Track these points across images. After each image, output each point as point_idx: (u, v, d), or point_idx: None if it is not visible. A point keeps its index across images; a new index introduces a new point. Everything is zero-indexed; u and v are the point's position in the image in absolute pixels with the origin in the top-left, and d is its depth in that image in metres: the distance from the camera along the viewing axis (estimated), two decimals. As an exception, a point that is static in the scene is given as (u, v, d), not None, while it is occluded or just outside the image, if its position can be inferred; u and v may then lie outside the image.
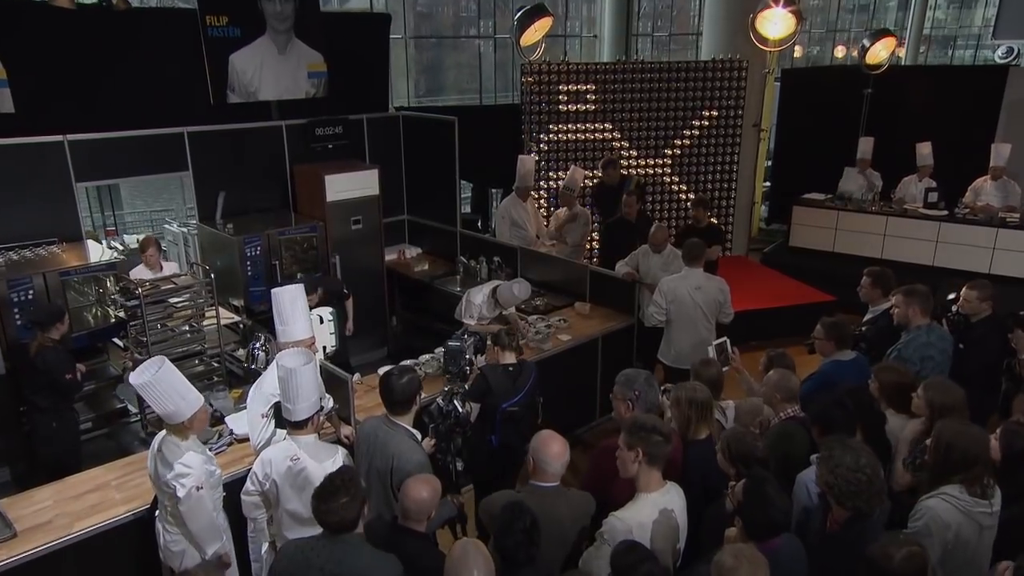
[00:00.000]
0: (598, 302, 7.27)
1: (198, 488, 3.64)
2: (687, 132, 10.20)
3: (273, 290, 4.35)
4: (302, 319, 4.33)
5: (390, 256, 8.46)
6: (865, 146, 10.27)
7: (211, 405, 5.35)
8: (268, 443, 4.19)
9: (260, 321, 7.06)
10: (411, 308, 8.75)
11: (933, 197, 9.72)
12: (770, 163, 12.33)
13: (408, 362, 5.92)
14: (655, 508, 3.35)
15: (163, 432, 3.82)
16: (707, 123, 10.20)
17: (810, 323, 9.07)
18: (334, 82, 8.13)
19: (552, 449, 3.47)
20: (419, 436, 3.85)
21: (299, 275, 6.97)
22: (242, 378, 6.04)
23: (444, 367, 4.83)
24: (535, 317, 6.93)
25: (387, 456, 3.72)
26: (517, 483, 4.73)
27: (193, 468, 3.65)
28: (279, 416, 4.21)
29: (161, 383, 3.59)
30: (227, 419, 5.08)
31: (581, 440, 6.81)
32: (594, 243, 10.21)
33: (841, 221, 10.22)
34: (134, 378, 3.59)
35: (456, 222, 8.65)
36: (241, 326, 7.09)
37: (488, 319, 6.49)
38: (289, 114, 7.96)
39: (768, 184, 12.53)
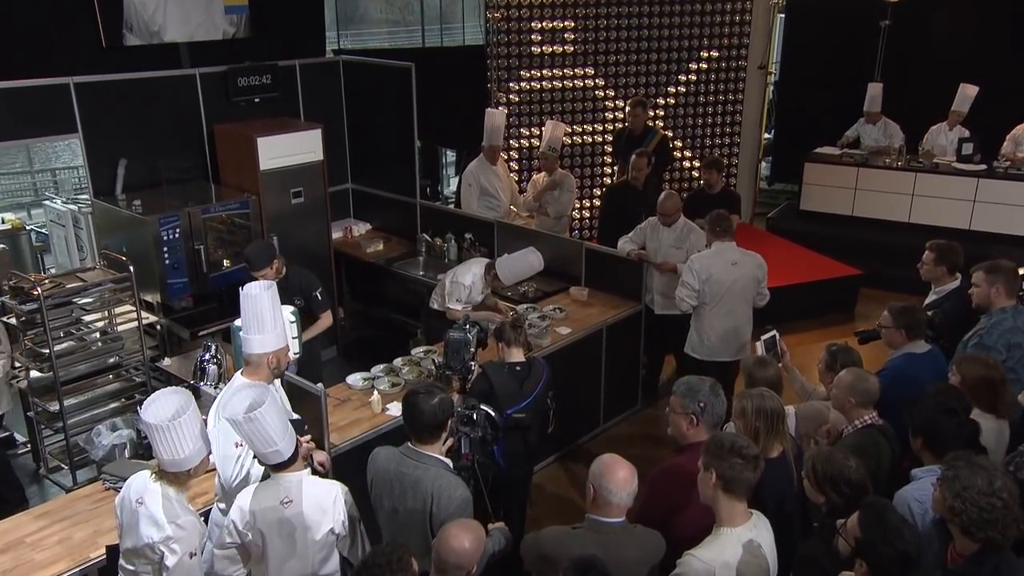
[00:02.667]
0: (597, 286, 7.20)
1: (191, 555, 3.50)
2: (683, 78, 10.17)
3: (244, 289, 4.18)
4: (278, 326, 4.17)
5: (335, 235, 8.29)
6: (874, 93, 10.38)
7: (141, 431, 5.13)
8: (246, 480, 4.04)
9: (179, 321, 6.94)
10: (363, 297, 8.59)
11: (968, 149, 9.90)
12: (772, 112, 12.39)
13: (379, 368, 5.76)
14: (740, 545, 3.28)
15: (143, 478, 3.65)
16: (706, 66, 10.17)
17: (833, 302, 9.49)
18: (258, 19, 7.87)
19: (618, 476, 3.39)
20: (450, 464, 3.74)
21: (246, 251, 6.61)
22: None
23: (445, 363, 4.78)
24: (525, 307, 6.82)
25: (422, 496, 3.59)
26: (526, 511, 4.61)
27: (188, 531, 3.50)
28: None
29: (184, 425, 3.46)
30: None
31: (587, 453, 6.76)
32: (584, 213, 10.14)
33: (862, 179, 10.34)
34: (150, 416, 3.45)
35: (415, 192, 8.52)
36: (158, 327, 6.82)
37: (472, 304, 6.44)
38: (204, 60, 7.73)
39: (769, 136, 12.60)
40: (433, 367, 5.57)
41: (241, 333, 4.27)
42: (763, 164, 12.64)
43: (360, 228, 8.85)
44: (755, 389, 4.02)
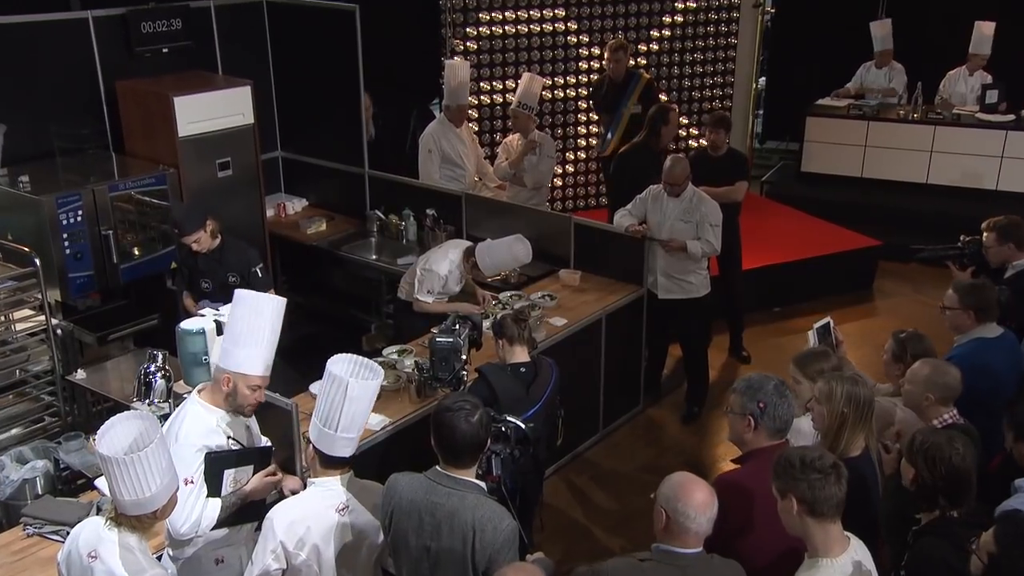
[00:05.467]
0: (590, 267, 7.18)
1: None
2: (668, 19, 10.14)
3: (241, 292, 4.11)
4: (272, 345, 4.11)
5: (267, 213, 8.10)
6: (882, 31, 10.49)
7: (60, 462, 5.02)
8: (196, 524, 3.96)
9: (83, 323, 6.73)
10: (303, 288, 8.48)
11: (992, 96, 10.09)
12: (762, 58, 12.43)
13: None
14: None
15: (94, 525, 3.50)
16: (694, 4, 10.15)
17: (849, 277, 9.59)
18: (164, -50, 7.69)
19: (695, 498, 3.32)
20: (485, 488, 3.70)
21: (173, 213, 6.42)
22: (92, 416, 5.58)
23: (432, 374, 4.77)
24: (509, 295, 6.75)
25: (460, 530, 3.51)
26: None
27: None
28: (212, 478, 3.99)
29: (150, 457, 3.31)
30: (98, 482, 4.68)
31: (588, 464, 6.74)
32: (558, 181, 10.02)
33: (872, 135, 10.46)
34: (106, 448, 3.29)
35: (363, 160, 8.41)
36: (58, 333, 6.55)
37: (448, 295, 6.43)
38: (97, 0, 7.54)
39: (757, 87, 12.64)
40: (415, 371, 5.43)
41: (224, 344, 4.12)
42: (753, 119, 12.71)
43: (296, 204, 8.72)
44: (848, 372, 4.04)
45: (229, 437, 4.05)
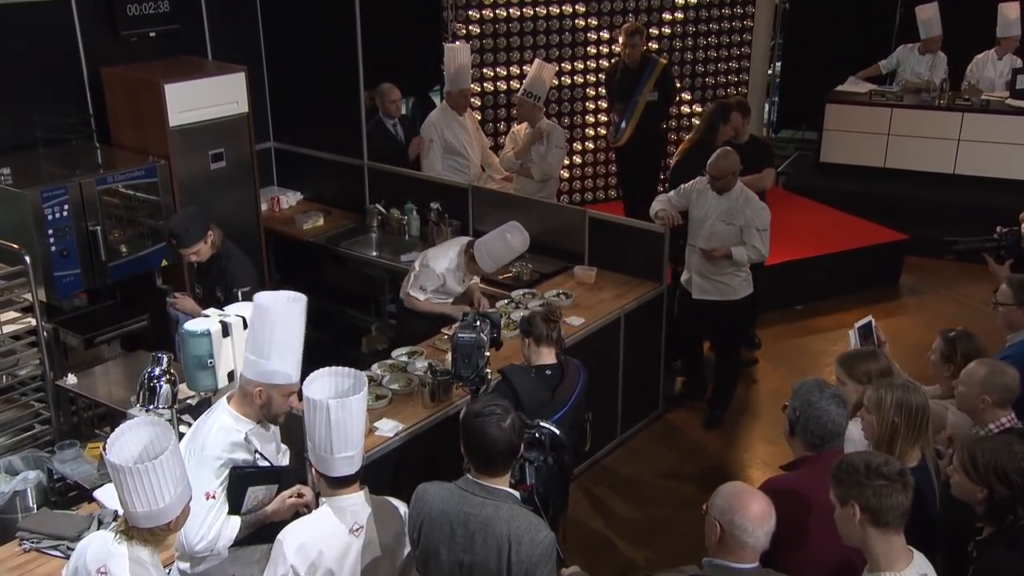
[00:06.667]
0: (605, 264, 7.17)
1: None
2: (680, 2, 10.14)
3: (260, 298, 4.03)
4: (299, 348, 4.05)
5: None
6: (927, 15, 10.49)
7: (54, 473, 5.04)
8: (213, 542, 3.93)
9: (67, 325, 6.73)
10: (298, 287, 8.04)
11: (1023, 82, 10.11)
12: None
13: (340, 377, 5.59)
14: (908, 593, 3.26)
15: (103, 540, 3.46)
16: (709, -16, 10.18)
17: (874, 274, 9.59)
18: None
19: (752, 510, 3.30)
20: (518, 496, 3.68)
21: (171, 223, 6.34)
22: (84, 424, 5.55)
23: (453, 372, 4.73)
24: (521, 292, 6.75)
25: (495, 542, 3.49)
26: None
27: None
28: (235, 495, 3.96)
29: (164, 465, 3.30)
30: (97, 494, 4.70)
31: (606, 471, 6.74)
32: (564, 173, 9.99)
33: (896, 123, 10.49)
34: (116, 456, 3.27)
35: (362, 152, 8.39)
36: (43, 334, 6.54)
37: (451, 296, 6.42)
38: None
39: (771, 73, 12.68)
40: (429, 374, 5.42)
41: (249, 354, 4.06)
42: (766, 107, 12.74)
43: (290, 198, 8.71)
44: (899, 379, 4.02)
45: (257, 452, 4.02)
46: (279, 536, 3.71)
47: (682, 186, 6.89)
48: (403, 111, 8.67)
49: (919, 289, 9.38)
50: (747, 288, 6.89)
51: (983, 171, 10.10)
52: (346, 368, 3.78)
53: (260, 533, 4.09)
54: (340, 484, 3.70)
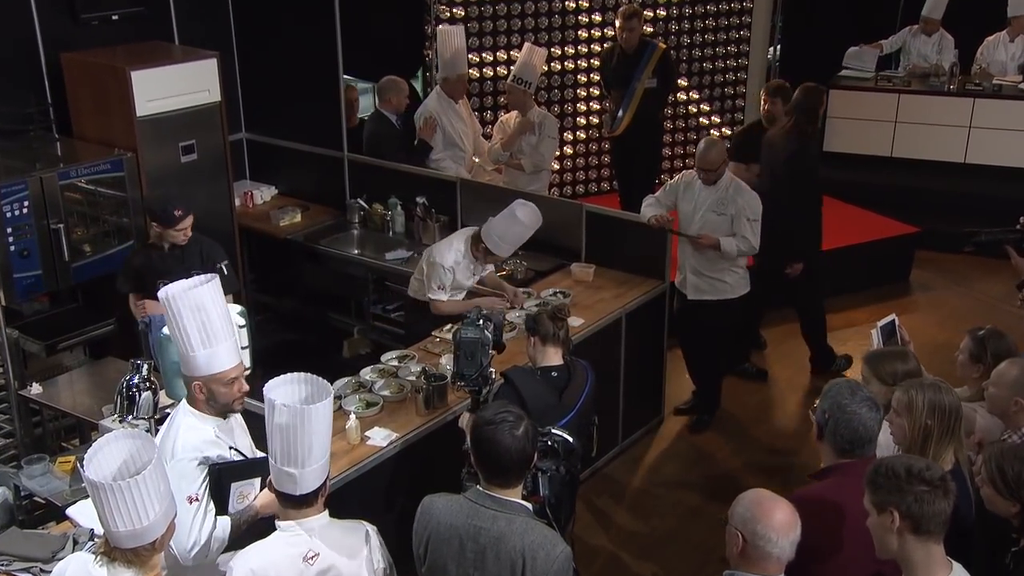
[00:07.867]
0: (604, 261, 7.17)
1: None
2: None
3: (164, 293, 3.98)
4: (230, 332, 4.08)
5: (233, 202, 8.11)
6: None
7: (21, 489, 5.01)
8: (207, 547, 3.94)
9: (26, 330, 6.72)
10: (274, 287, 8.53)
11: (1036, 66, 10.21)
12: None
13: (341, 383, 5.60)
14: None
15: (81, 562, 3.44)
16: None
17: (883, 268, 9.58)
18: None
19: (775, 519, 3.28)
20: (531, 509, 3.68)
21: (148, 201, 6.48)
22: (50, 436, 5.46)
23: (456, 371, 4.73)
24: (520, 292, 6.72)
25: (508, 557, 3.50)
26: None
27: None
28: (219, 493, 3.99)
29: (147, 481, 3.26)
30: (70, 511, 4.63)
31: (608, 480, 6.74)
32: (554, 164, 9.97)
33: (904, 109, 10.53)
34: (95, 473, 3.24)
35: (342, 143, 8.39)
36: (4, 340, 6.53)
37: (462, 292, 6.44)
38: None
39: (770, 57, 12.71)
40: (422, 379, 5.40)
41: (179, 352, 4.07)
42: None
43: (264, 193, 8.71)
44: (928, 378, 4.01)
45: (231, 447, 4.04)
46: (230, 562, 3.71)
47: (667, 184, 6.96)
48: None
49: (931, 285, 9.40)
50: (744, 287, 6.90)
51: (996, 160, 10.15)
52: (308, 375, 3.76)
53: (255, 533, 4.05)
54: (294, 504, 3.66)
